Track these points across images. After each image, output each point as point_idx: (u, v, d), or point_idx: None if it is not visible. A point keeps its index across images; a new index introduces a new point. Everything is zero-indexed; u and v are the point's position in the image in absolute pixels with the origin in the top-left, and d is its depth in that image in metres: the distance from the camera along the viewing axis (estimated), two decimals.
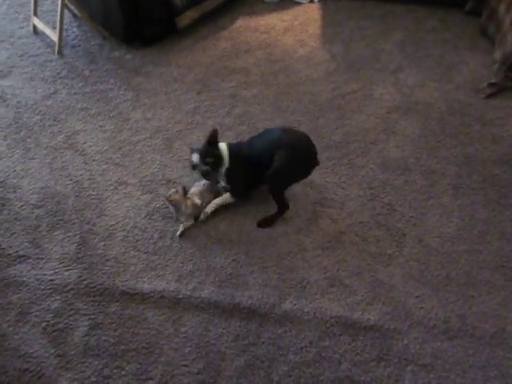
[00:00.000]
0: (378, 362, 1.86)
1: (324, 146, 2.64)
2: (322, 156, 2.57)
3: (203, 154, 2.18)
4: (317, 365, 1.84)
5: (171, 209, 2.26)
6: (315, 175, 2.41)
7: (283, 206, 2.28)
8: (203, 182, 2.34)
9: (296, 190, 2.41)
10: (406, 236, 2.26)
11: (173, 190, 2.26)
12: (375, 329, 1.94)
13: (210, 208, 2.30)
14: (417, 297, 2.04)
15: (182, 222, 2.24)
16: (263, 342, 1.89)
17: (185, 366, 1.83)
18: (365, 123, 2.80)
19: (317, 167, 2.34)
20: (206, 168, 2.20)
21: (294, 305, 2.00)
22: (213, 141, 2.21)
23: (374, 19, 3.63)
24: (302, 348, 1.88)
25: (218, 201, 2.32)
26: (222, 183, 2.32)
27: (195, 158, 2.18)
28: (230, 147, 2.27)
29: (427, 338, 1.93)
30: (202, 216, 2.29)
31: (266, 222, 2.28)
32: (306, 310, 1.98)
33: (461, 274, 2.12)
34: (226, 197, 2.32)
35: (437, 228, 2.30)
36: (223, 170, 2.26)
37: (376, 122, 2.81)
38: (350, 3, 3.78)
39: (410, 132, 2.76)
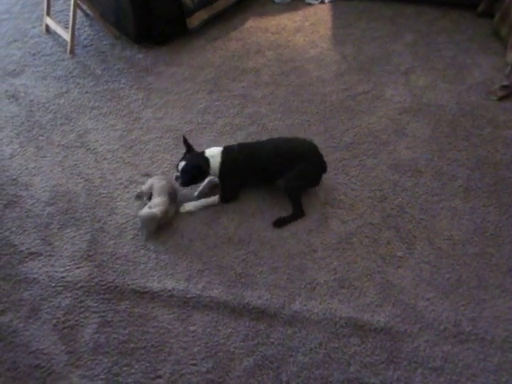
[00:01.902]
0: (387, 364, 1.85)
1: (334, 147, 2.64)
2: (332, 157, 2.57)
3: (181, 172, 2.25)
4: (326, 366, 1.83)
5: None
6: (325, 176, 2.40)
7: (300, 212, 2.31)
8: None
9: (306, 191, 2.40)
10: (417, 238, 2.25)
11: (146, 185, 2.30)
12: (385, 331, 1.93)
13: (193, 206, 2.32)
14: (427, 299, 2.03)
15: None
16: (272, 343, 1.89)
17: (194, 365, 1.84)
18: (375, 124, 2.79)
19: (327, 168, 2.37)
20: (181, 182, 2.28)
21: (304, 305, 1.99)
22: (193, 152, 2.30)
23: (385, 20, 3.62)
24: (311, 349, 1.87)
25: (206, 201, 2.34)
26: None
27: (179, 167, 2.26)
28: (225, 153, 2.29)
29: (438, 341, 1.91)
30: (182, 209, 2.31)
31: (279, 223, 2.28)
32: (315, 311, 1.97)
33: (472, 277, 2.10)
34: (212, 200, 2.35)
35: (448, 230, 2.28)
36: (215, 176, 2.33)
37: (387, 124, 2.79)
38: (360, 4, 3.78)
39: (421, 133, 2.74)
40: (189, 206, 2.33)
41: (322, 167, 2.35)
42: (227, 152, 2.31)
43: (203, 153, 2.30)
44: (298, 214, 2.31)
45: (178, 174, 2.27)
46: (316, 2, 3.79)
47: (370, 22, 3.59)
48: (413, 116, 2.84)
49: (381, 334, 1.92)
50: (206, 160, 2.27)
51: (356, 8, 3.73)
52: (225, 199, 2.35)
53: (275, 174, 2.34)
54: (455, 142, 2.70)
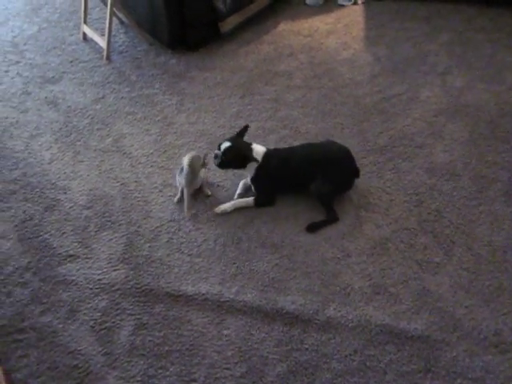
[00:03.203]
0: (424, 373, 1.80)
1: (368, 150, 2.60)
2: (366, 160, 2.54)
3: (224, 151, 2.26)
4: (361, 374, 1.80)
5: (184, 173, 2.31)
6: (359, 180, 2.37)
7: (333, 217, 2.29)
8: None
9: (339, 195, 2.38)
10: (455, 244, 2.19)
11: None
12: (422, 339, 1.88)
13: (230, 207, 2.34)
14: (466, 307, 1.97)
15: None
16: (306, 349, 1.87)
17: (227, 369, 1.84)
18: (411, 127, 2.73)
19: (361, 171, 2.36)
20: (218, 162, 2.29)
21: (338, 311, 1.97)
22: (241, 139, 2.34)
23: (420, 20, 3.55)
24: (346, 356, 1.85)
25: (241, 202, 2.36)
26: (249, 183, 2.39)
27: (221, 147, 2.27)
28: (265, 157, 2.30)
29: (477, 350, 1.85)
30: (217, 210, 2.33)
31: (312, 227, 2.27)
32: (350, 318, 1.95)
33: None
34: (248, 201, 2.36)
35: (487, 236, 2.21)
36: (249, 174, 2.33)
37: (422, 126, 2.73)
38: (394, 4, 3.72)
39: (459, 136, 2.67)
40: (224, 206, 2.34)
41: (353, 172, 2.32)
42: (268, 156, 2.31)
43: (251, 144, 2.32)
44: (332, 218, 2.29)
45: (219, 152, 2.27)
46: (349, 3, 3.75)
47: (404, 22, 3.53)
48: (449, 118, 2.77)
49: (418, 342, 1.88)
50: (251, 151, 2.28)
51: (389, 8, 3.68)
52: (259, 203, 2.36)
53: (307, 180, 2.32)
54: (494, 144, 2.62)
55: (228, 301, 2.02)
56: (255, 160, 2.28)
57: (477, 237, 2.21)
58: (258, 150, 2.32)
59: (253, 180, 2.36)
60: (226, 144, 2.27)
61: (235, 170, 2.40)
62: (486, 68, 3.08)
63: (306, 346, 1.88)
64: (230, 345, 1.90)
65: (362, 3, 3.76)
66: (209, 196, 2.42)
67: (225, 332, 1.93)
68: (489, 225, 2.25)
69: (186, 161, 2.33)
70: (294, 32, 3.50)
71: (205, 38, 3.38)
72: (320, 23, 3.57)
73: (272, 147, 2.44)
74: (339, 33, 3.47)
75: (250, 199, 2.36)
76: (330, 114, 2.84)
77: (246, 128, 2.37)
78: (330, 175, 2.26)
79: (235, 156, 2.27)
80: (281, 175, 2.34)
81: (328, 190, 2.29)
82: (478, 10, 3.58)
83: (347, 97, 2.94)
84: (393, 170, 2.50)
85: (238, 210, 2.35)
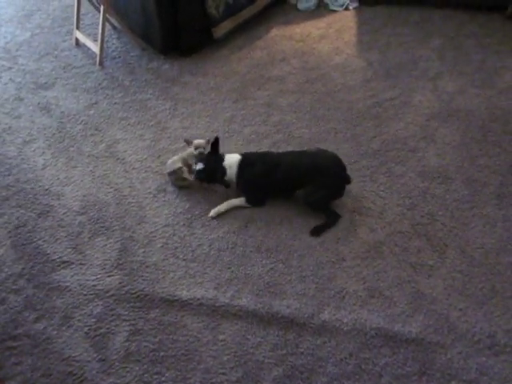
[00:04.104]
0: (419, 376, 1.81)
1: (362, 154, 2.61)
2: (359, 164, 2.55)
3: (198, 172, 2.36)
4: (356, 377, 1.81)
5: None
6: (353, 184, 2.38)
7: (334, 217, 2.30)
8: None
9: (330, 201, 2.39)
10: (448, 247, 2.20)
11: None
12: (417, 342, 1.89)
13: (223, 207, 2.36)
14: (460, 310, 1.98)
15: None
16: (302, 353, 1.88)
17: (223, 374, 1.84)
18: (403, 131, 2.75)
19: (354, 175, 2.37)
20: (196, 177, 2.40)
21: (333, 315, 1.97)
22: (214, 153, 2.39)
23: (411, 25, 3.59)
24: (341, 359, 1.85)
25: (234, 202, 2.38)
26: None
27: (197, 166, 2.38)
28: (242, 165, 2.34)
29: (471, 352, 1.87)
30: (212, 213, 2.34)
31: (317, 231, 2.27)
32: (345, 321, 1.95)
33: (506, 287, 2.05)
34: (241, 200, 2.39)
35: (480, 239, 2.23)
36: (233, 179, 2.37)
37: (415, 130, 2.76)
38: (386, 9, 3.76)
39: (451, 140, 2.69)
40: (218, 208, 2.36)
41: (344, 179, 2.31)
42: (244, 163, 2.34)
43: (222, 159, 2.35)
44: (333, 218, 2.29)
45: (195, 169, 2.37)
46: (340, 9, 3.78)
47: (396, 28, 3.56)
48: (441, 122, 2.80)
49: (412, 344, 1.89)
50: (223, 169, 2.34)
51: (381, 14, 3.71)
52: (250, 202, 2.38)
53: (296, 187, 2.35)
54: (486, 147, 2.64)
55: (223, 305, 2.02)
56: (225, 183, 2.39)
57: (469, 239, 2.23)
58: (231, 161, 2.35)
59: (237, 185, 2.39)
60: (199, 166, 2.35)
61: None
62: (477, 73, 3.12)
63: (302, 350, 1.88)
64: (226, 349, 1.89)
65: (354, 8, 3.79)
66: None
67: (220, 337, 1.93)
68: (481, 228, 2.27)
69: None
70: (287, 37, 3.53)
71: (198, 43, 3.39)
72: (312, 28, 3.60)
73: (255, 151, 2.51)
74: (331, 38, 3.50)
75: (243, 198, 2.38)
76: (323, 118, 2.85)
77: (216, 140, 2.36)
78: (318, 182, 2.26)
79: (208, 176, 2.37)
80: (265, 182, 2.35)
81: (317, 197, 2.28)
82: (468, 16, 3.62)
83: (340, 101, 2.96)
84: (386, 174, 2.52)
85: (232, 214, 2.36)
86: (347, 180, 2.32)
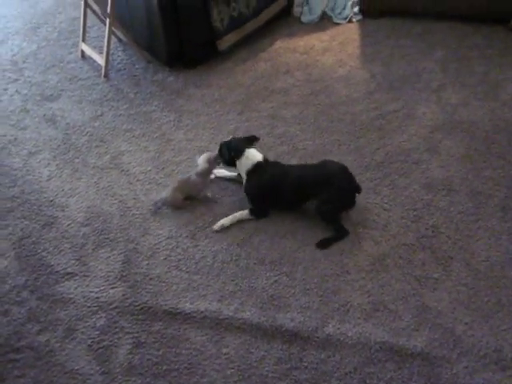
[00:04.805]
0: None
1: (365, 167, 2.61)
2: (363, 177, 2.55)
3: (223, 151, 2.44)
4: None
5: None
6: (357, 196, 2.37)
7: (342, 232, 2.30)
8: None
9: (342, 212, 2.38)
10: (453, 259, 2.19)
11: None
12: (422, 356, 1.87)
13: (227, 221, 2.36)
14: (466, 323, 1.97)
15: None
16: (306, 367, 1.86)
17: None
18: (407, 143, 2.76)
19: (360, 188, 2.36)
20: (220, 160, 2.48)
21: (337, 329, 1.96)
22: (246, 141, 2.45)
23: (414, 37, 3.61)
24: (345, 374, 1.83)
25: (238, 215, 2.38)
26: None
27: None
28: (264, 163, 2.38)
29: (478, 367, 1.84)
30: (215, 227, 2.34)
31: (323, 244, 2.27)
32: (349, 335, 1.94)
33: None
34: (244, 213, 2.39)
35: (485, 251, 2.22)
36: (243, 181, 2.42)
37: (418, 142, 2.76)
38: (388, 22, 3.78)
39: (455, 152, 2.69)
40: (222, 222, 2.35)
41: (353, 189, 2.31)
42: (258, 167, 2.36)
43: (244, 148, 2.40)
44: (342, 233, 2.29)
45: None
46: (344, 22, 3.81)
47: (399, 40, 3.58)
48: (445, 134, 2.80)
49: (418, 359, 1.87)
50: (240, 153, 2.39)
51: (384, 26, 3.74)
52: (254, 213, 2.38)
53: (303, 199, 2.36)
54: (490, 159, 2.64)
55: (227, 318, 2.01)
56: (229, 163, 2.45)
57: (475, 252, 2.22)
58: (252, 156, 2.39)
59: (245, 188, 2.41)
60: (225, 141, 2.48)
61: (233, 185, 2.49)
62: (480, 85, 3.13)
63: (306, 364, 1.86)
64: (230, 363, 1.88)
65: (357, 21, 3.82)
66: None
67: (224, 350, 1.92)
68: (486, 240, 2.26)
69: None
70: (291, 49, 3.55)
71: (202, 55, 3.42)
72: (316, 41, 3.62)
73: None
74: (335, 50, 3.52)
75: (246, 211, 2.38)
76: (326, 130, 2.86)
77: (254, 137, 2.48)
78: (329, 193, 2.25)
79: (221, 150, 2.45)
80: (272, 190, 2.36)
81: (329, 208, 2.28)
82: (471, 28, 3.64)
83: (344, 113, 2.97)
84: (390, 186, 2.52)
85: (236, 226, 2.36)
86: (357, 189, 2.31)
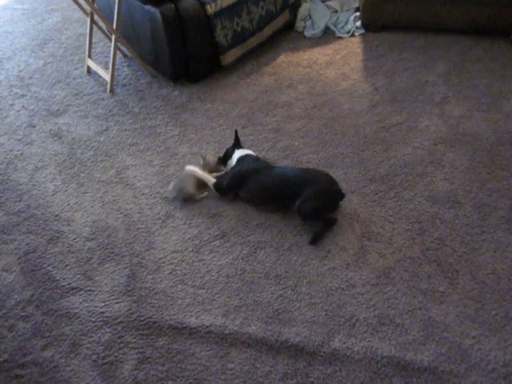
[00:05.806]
0: None
1: (369, 179, 2.62)
2: (367, 189, 2.55)
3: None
4: None
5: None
6: (361, 209, 2.38)
7: (329, 221, 2.35)
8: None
9: (342, 224, 2.39)
10: (459, 272, 2.18)
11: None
12: (429, 371, 1.86)
13: (192, 170, 2.60)
14: (473, 337, 1.95)
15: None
16: (312, 382, 1.84)
17: None
18: (411, 155, 2.76)
19: (362, 200, 2.37)
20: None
21: (343, 343, 1.94)
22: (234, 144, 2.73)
23: (417, 51, 3.63)
24: None
25: (206, 176, 2.59)
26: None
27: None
28: (240, 159, 2.59)
29: (486, 382, 1.82)
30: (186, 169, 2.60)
31: (314, 239, 2.30)
32: (355, 349, 1.92)
33: None
34: (209, 179, 2.59)
35: (491, 264, 2.21)
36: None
37: (422, 154, 2.76)
38: (391, 35, 3.81)
39: (459, 164, 2.69)
40: (190, 169, 2.60)
41: (336, 191, 2.33)
42: (239, 160, 2.58)
43: (233, 149, 2.68)
44: (329, 223, 2.33)
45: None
46: (346, 36, 3.84)
47: (402, 53, 3.61)
48: (449, 146, 2.80)
49: (425, 373, 1.85)
50: (229, 156, 2.68)
51: (386, 40, 3.77)
52: (217, 185, 2.55)
53: (283, 198, 2.40)
54: (495, 171, 2.64)
55: (232, 333, 2.00)
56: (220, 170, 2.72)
57: (481, 265, 2.20)
58: (238, 153, 2.63)
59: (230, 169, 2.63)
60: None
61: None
62: (483, 97, 3.14)
63: (312, 380, 1.85)
64: (235, 379, 1.87)
65: (360, 35, 3.85)
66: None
67: (229, 365, 1.91)
68: (492, 253, 2.25)
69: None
70: (294, 63, 3.58)
71: (206, 70, 3.45)
72: (319, 55, 3.66)
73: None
74: (338, 64, 3.55)
75: (212, 180, 2.58)
76: (330, 143, 2.87)
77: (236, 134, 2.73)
78: (309, 192, 2.26)
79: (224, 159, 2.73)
80: (245, 183, 2.48)
81: (308, 208, 2.28)
82: (473, 41, 3.67)
83: (347, 126, 2.98)
84: (394, 199, 2.51)
85: (240, 240, 2.36)
86: (339, 193, 2.34)
